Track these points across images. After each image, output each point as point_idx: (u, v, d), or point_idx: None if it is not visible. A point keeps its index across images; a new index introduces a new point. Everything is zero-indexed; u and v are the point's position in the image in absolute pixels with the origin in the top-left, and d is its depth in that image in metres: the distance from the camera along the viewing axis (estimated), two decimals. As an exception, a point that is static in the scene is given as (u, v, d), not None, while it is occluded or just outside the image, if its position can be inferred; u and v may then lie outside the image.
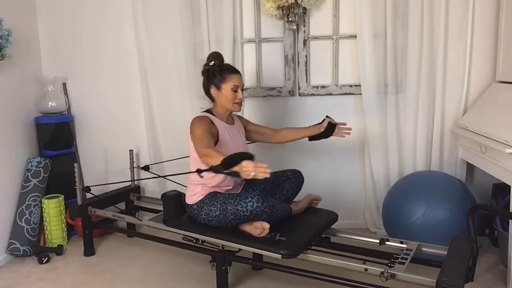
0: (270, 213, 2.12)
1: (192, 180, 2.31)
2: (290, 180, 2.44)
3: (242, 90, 2.31)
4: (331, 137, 2.52)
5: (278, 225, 2.18)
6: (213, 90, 2.30)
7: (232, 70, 2.30)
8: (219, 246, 2.26)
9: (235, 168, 1.78)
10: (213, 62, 2.31)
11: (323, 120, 2.52)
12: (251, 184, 2.42)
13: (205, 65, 2.35)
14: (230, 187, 2.33)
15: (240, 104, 2.32)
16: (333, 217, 2.40)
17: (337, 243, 2.34)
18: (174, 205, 2.43)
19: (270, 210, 2.11)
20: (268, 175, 1.73)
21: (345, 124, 2.53)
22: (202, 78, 2.35)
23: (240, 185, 2.42)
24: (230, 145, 2.28)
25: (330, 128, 2.49)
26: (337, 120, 2.51)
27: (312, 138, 2.55)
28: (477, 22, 2.77)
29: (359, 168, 3.11)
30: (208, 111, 2.36)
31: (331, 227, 2.38)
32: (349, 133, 2.54)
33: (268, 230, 2.11)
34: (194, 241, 2.33)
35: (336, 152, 3.10)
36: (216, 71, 2.28)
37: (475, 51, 2.80)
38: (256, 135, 2.56)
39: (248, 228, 2.15)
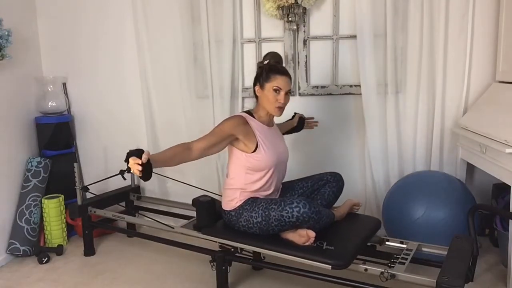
0: (317, 219, 1.99)
1: (230, 185, 2.21)
2: (331, 183, 2.33)
3: (287, 94, 2.17)
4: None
5: (322, 233, 2.06)
6: (257, 88, 2.19)
7: (280, 71, 2.16)
8: (260, 255, 2.19)
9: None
10: (268, 61, 2.21)
11: (293, 117, 2.68)
12: (287, 189, 2.35)
13: (259, 62, 2.27)
14: (270, 192, 2.22)
15: (281, 108, 2.17)
16: (377, 224, 2.30)
17: (382, 252, 2.22)
18: (208, 211, 2.31)
19: (316, 216, 1.98)
20: (138, 173, 1.78)
21: (312, 118, 2.74)
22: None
23: (278, 190, 2.32)
24: (270, 148, 2.17)
25: (300, 123, 2.67)
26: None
27: (285, 133, 2.59)
28: (477, 22, 2.76)
29: (359, 168, 3.10)
30: (248, 111, 2.25)
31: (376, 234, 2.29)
32: (316, 125, 2.75)
33: (314, 239, 1.98)
34: (232, 250, 2.23)
35: (336, 152, 3.10)
36: (265, 69, 2.17)
37: (475, 51, 2.79)
38: None
39: (291, 236, 2.04)
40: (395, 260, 1.98)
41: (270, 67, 2.18)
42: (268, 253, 2.09)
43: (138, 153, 1.82)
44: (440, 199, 2.42)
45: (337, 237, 2.08)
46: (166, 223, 2.53)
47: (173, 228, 2.47)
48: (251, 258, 2.33)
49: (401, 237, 2.31)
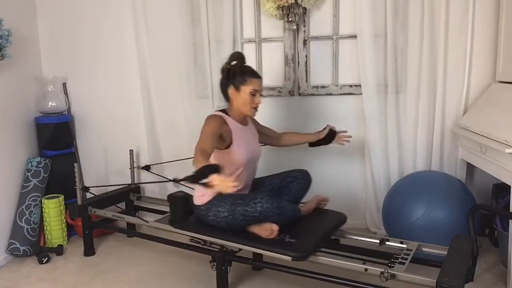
0: (279, 214, 2.09)
1: None
2: (298, 180, 2.40)
3: (261, 95, 2.27)
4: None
5: (287, 227, 2.14)
6: (231, 91, 2.25)
7: (254, 74, 2.25)
8: (227, 248, 2.24)
9: (205, 180, 1.72)
10: (235, 62, 2.26)
11: (324, 128, 2.56)
12: (258, 185, 2.42)
13: (226, 63, 2.29)
14: (240, 188, 2.26)
15: (256, 109, 2.27)
16: (342, 219, 2.37)
17: (347, 245, 2.31)
18: (181, 206, 2.41)
19: (279, 211, 2.08)
20: (233, 190, 1.70)
21: (345, 131, 2.57)
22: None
23: (248, 186, 2.39)
24: (244, 146, 2.25)
25: (330, 136, 2.54)
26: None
27: (312, 144, 2.57)
28: (477, 22, 2.76)
29: (359, 168, 3.11)
30: (223, 110, 2.31)
31: (340, 228, 2.35)
32: (348, 141, 2.57)
33: (277, 232, 2.08)
34: (202, 242, 2.31)
35: (337, 152, 3.10)
36: (238, 71, 2.23)
37: (475, 51, 2.79)
38: (264, 138, 2.54)
39: (257, 229, 2.12)
40: (395, 260, 1.98)
41: (243, 69, 2.24)
42: (234, 245, 2.18)
43: (216, 169, 1.73)
44: (440, 199, 2.42)
45: (300, 231, 2.17)
46: (142, 218, 2.67)
47: (148, 222, 2.58)
48: (251, 258, 2.33)
49: (401, 237, 2.31)
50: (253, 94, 2.22)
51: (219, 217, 2.18)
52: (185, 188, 2.74)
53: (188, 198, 2.42)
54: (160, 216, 2.67)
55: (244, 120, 2.36)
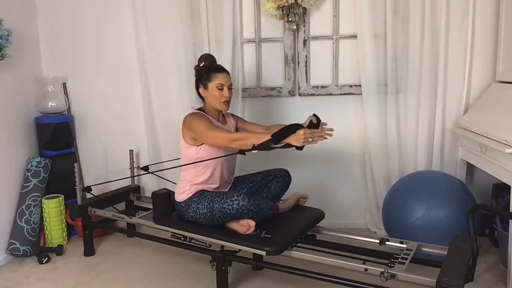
0: (256, 211, 2.17)
1: (181, 177, 2.37)
2: (278, 179, 2.49)
3: (230, 89, 2.33)
4: (331, 138, 2.46)
5: (265, 223, 2.23)
6: (201, 90, 2.34)
7: (218, 69, 2.33)
8: (206, 243, 2.31)
9: (288, 140, 1.93)
10: (203, 63, 2.34)
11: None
12: (238, 182, 2.49)
13: (195, 66, 2.38)
14: (217, 185, 2.37)
15: (227, 103, 2.32)
16: (320, 215, 2.44)
17: (323, 241, 2.37)
18: (163, 203, 2.49)
19: (256, 209, 2.16)
20: (325, 138, 1.95)
21: (326, 124, 2.38)
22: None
23: (228, 183, 2.46)
24: None
25: (311, 127, 2.36)
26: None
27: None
28: (477, 22, 2.77)
29: (359, 168, 3.11)
30: (200, 109, 2.39)
31: (318, 225, 2.42)
32: (330, 135, 2.34)
33: (254, 228, 2.15)
34: (182, 238, 2.38)
35: (336, 152, 3.10)
36: (204, 70, 2.32)
37: (475, 51, 2.80)
38: None
39: (235, 225, 2.20)
40: (395, 260, 1.98)
41: (208, 68, 2.32)
42: (212, 241, 2.25)
43: (300, 126, 1.98)
44: (440, 199, 2.42)
45: (277, 227, 2.24)
46: (126, 215, 2.73)
47: (131, 218, 2.66)
48: (251, 258, 2.33)
49: (401, 237, 2.31)
50: (219, 88, 2.29)
51: (198, 214, 2.25)
52: (171, 185, 2.77)
53: (170, 195, 2.49)
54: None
55: (222, 118, 2.43)
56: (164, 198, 2.49)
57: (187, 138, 2.29)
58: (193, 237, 2.33)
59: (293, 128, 1.96)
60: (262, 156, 2.75)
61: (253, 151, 2.04)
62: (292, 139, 1.96)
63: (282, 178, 2.50)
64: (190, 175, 2.33)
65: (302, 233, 2.30)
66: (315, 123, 2.31)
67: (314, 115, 2.33)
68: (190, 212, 2.29)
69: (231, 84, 2.35)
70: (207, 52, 3.01)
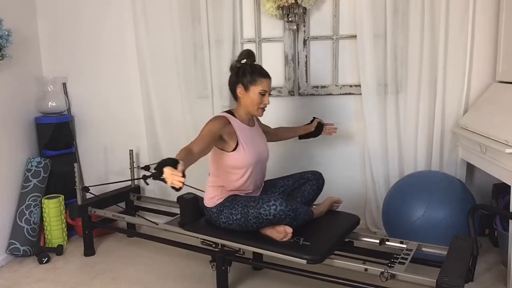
0: (294, 216, 2.05)
1: (211, 183, 2.25)
2: (311, 182, 2.38)
3: (270, 95, 2.23)
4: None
5: (301, 229, 2.11)
6: (239, 90, 2.20)
7: (264, 74, 2.21)
8: (239, 251, 2.22)
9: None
10: (245, 60, 2.22)
11: (311, 121, 2.64)
12: (270, 186, 2.39)
13: (236, 61, 2.25)
14: (251, 190, 2.27)
15: (264, 109, 2.24)
16: (355, 220, 2.35)
17: (360, 247, 2.28)
18: (191, 208, 2.36)
19: (293, 214, 2.05)
20: (180, 185, 1.62)
21: (332, 124, 2.67)
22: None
23: (259, 188, 2.36)
24: (251, 147, 2.20)
25: (319, 128, 2.62)
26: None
27: (302, 137, 2.61)
28: (477, 22, 2.76)
29: (359, 168, 3.10)
30: (229, 111, 2.27)
31: (353, 231, 2.33)
32: (335, 131, 2.66)
33: (291, 235, 2.05)
34: (214, 245, 2.27)
35: (336, 152, 3.10)
36: (248, 70, 2.18)
37: (475, 51, 2.79)
38: (267, 136, 2.50)
39: (270, 232, 2.09)
40: (395, 260, 1.97)
41: (253, 69, 2.20)
42: (247, 248, 2.14)
43: (173, 162, 1.68)
44: (440, 199, 2.42)
45: (314, 233, 2.14)
46: (151, 220, 2.59)
47: (157, 224, 2.53)
48: (251, 258, 2.33)
49: (401, 237, 2.31)
50: (262, 94, 2.18)
51: (231, 220, 2.15)
52: (194, 189, 2.75)
53: (198, 200, 2.38)
54: (163, 217, 2.67)
55: (251, 120, 2.32)
56: (192, 203, 2.37)
57: (219, 143, 2.15)
58: (225, 244, 2.21)
59: (165, 163, 1.67)
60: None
61: (145, 180, 1.82)
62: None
63: (316, 181, 2.38)
64: (221, 180, 2.22)
65: (341, 240, 2.18)
66: (322, 124, 2.61)
67: (316, 117, 2.55)
68: (222, 218, 2.17)
69: (271, 90, 2.26)
70: (207, 52, 3.01)
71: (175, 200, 2.47)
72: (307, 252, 1.97)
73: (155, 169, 1.69)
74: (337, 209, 2.46)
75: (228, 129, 2.16)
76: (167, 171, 1.64)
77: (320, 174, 2.43)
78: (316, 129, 2.61)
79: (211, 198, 2.23)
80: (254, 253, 2.29)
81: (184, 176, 1.65)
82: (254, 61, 2.27)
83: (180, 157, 1.78)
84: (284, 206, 2.02)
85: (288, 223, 2.06)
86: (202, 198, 2.35)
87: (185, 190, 2.61)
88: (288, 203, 2.04)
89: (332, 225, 2.26)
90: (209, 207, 2.25)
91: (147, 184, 1.99)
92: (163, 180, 1.65)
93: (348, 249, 2.27)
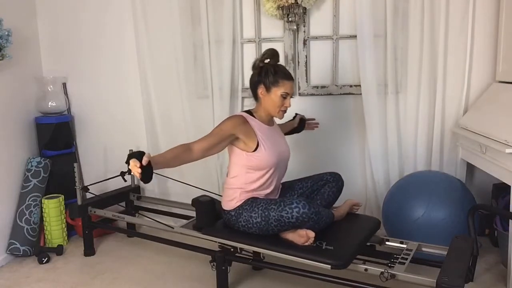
0: (316, 220, 1.99)
1: (230, 185, 2.20)
2: (330, 183, 2.32)
3: (291, 97, 2.20)
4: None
5: (322, 233, 2.06)
6: (261, 90, 2.16)
7: (287, 76, 2.17)
8: (260, 256, 2.18)
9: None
10: (269, 60, 2.17)
11: (294, 117, 2.69)
12: (288, 189, 2.34)
13: (259, 60, 2.19)
14: (269, 191, 2.21)
15: (285, 112, 2.20)
16: (376, 223, 2.30)
17: (382, 251, 2.23)
18: (208, 211, 2.31)
19: (316, 217, 1.98)
20: (138, 175, 1.78)
21: (313, 119, 2.74)
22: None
23: (278, 190, 2.31)
24: (272, 147, 2.16)
25: (301, 124, 2.68)
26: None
27: (286, 133, 2.59)
28: (477, 22, 2.76)
29: (359, 168, 3.10)
30: (248, 111, 2.23)
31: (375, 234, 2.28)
32: (317, 126, 2.75)
33: (313, 239, 1.99)
34: (232, 249, 2.23)
35: (336, 152, 3.10)
36: (271, 71, 2.14)
37: (475, 51, 2.79)
38: None
39: (291, 236, 2.04)
40: (395, 260, 1.98)
41: (276, 70, 2.15)
42: (268, 253, 2.08)
43: (139, 155, 1.81)
44: (440, 199, 2.42)
45: (336, 237, 2.08)
46: (166, 223, 2.54)
47: (173, 228, 2.47)
48: (251, 258, 2.33)
49: (401, 237, 2.31)
50: (284, 97, 2.15)
51: (251, 223, 2.09)
52: (180, 187, 2.74)
53: (214, 202, 2.33)
54: (163, 217, 2.66)
55: (270, 121, 2.28)
56: (209, 205, 2.31)
57: (237, 143, 2.13)
58: (245, 248, 2.16)
59: (132, 155, 1.83)
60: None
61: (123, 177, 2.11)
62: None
63: (335, 182, 2.32)
64: (241, 181, 2.16)
65: (363, 244, 2.13)
66: (304, 120, 2.70)
67: (298, 114, 2.66)
68: (242, 221, 2.11)
69: (293, 93, 2.24)
70: (207, 52, 3.01)
71: (190, 203, 2.43)
72: (331, 257, 1.92)
73: (126, 162, 1.86)
74: (356, 212, 2.40)
75: (246, 128, 2.12)
76: (131, 163, 1.79)
77: (339, 175, 2.36)
78: (299, 125, 2.67)
79: (230, 201, 2.18)
80: (253, 252, 2.29)
81: (145, 167, 1.79)
82: (278, 61, 2.22)
83: (161, 153, 1.96)
84: (308, 209, 1.96)
85: (310, 227, 2.00)
86: (218, 201, 2.30)
87: (199, 192, 2.63)
88: (311, 206, 1.98)
89: (354, 229, 2.20)
90: (227, 210, 2.19)
91: (125, 180, 2.33)
92: (130, 172, 1.84)
93: (371, 253, 2.23)
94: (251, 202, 2.12)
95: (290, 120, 2.67)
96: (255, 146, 2.12)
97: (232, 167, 2.20)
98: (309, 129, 2.73)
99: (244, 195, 2.16)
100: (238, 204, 2.15)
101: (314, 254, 1.96)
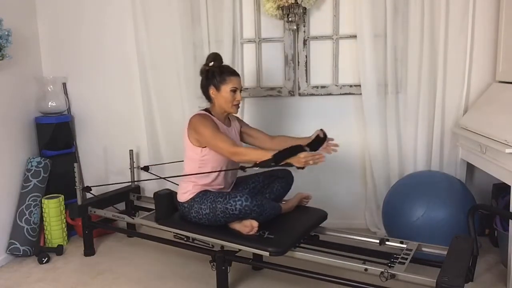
0: (259, 211, 2.16)
1: (184, 178, 2.35)
2: (280, 179, 2.48)
3: (241, 91, 2.34)
4: (332, 137, 2.51)
5: (268, 224, 2.22)
6: (212, 91, 2.31)
7: (232, 72, 2.32)
8: (208, 244, 2.31)
9: (290, 160, 1.93)
10: (212, 62, 2.32)
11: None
12: (241, 183, 2.48)
13: (204, 65, 2.35)
14: (222, 186, 2.37)
15: (238, 106, 2.34)
16: (323, 215, 2.43)
17: (326, 241, 2.35)
18: (166, 203, 2.47)
19: (259, 209, 2.15)
20: (323, 160, 1.93)
21: (332, 139, 2.41)
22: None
23: (231, 184, 2.46)
24: None
25: (317, 141, 2.37)
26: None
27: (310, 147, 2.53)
28: (477, 22, 2.77)
29: (359, 168, 3.11)
30: (206, 110, 2.37)
31: (321, 225, 2.41)
32: (336, 150, 2.40)
33: (257, 228, 2.15)
34: (185, 239, 2.38)
35: (336, 152, 3.10)
36: (216, 72, 2.29)
37: (475, 51, 2.80)
38: (248, 138, 2.53)
39: (238, 226, 2.19)
40: (395, 260, 1.98)
41: (221, 69, 2.30)
42: (214, 241, 2.25)
43: (303, 149, 1.95)
44: (440, 199, 2.42)
45: (280, 227, 2.23)
46: (127, 215, 2.75)
47: (133, 219, 2.69)
48: (251, 258, 2.33)
49: (401, 237, 2.30)
50: (233, 91, 2.29)
51: (201, 214, 2.24)
52: (171, 185, 2.76)
53: (173, 195, 2.47)
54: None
55: (227, 120, 2.42)
56: (167, 198, 2.47)
57: (192, 139, 2.28)
58: (195, 237, 2.32)
59: (295, 150, 1.95)
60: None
61: (254, 168, 2.09)
62: (293, 160, 1.94)
63: (285, 178, 2.49)
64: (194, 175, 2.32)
65: (306, 233, 2.29)
66: (321, 138, 2.37)
67: (321, 130, 2.40)
68: (193, 213, 2.28)
69: (242, 87, 2.37)
70: (207, 52, 3.01)
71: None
72: (270, 245, 2.06)
73: (276, 158, 1.95)
74: (306, 204, 2.53)
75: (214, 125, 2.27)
76: (308, 155, 1.93)
77: (290, 172, 2.51)
78: (314, 142, 2.34)
79: (184, 193, 2.32)
80: (254, 253, 2.29)
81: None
82: (222, 63, 2.35)
83: (267, 152, 2.05)
84: (250, 202, 2.13)
85: (255, 218, 2.16)
86: (176, 194, 2.43)
87: (171, 187, 2.72)
88: (253, 199, 2.15)
89: (298, 220, 2.36)
90: (181, 202, 2.34)
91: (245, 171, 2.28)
92: (287, 165, 1.96)
93: (315, 242, 2.35)
94: (202, 195, 2.27)
95: (310, 136, 2.39)
96: None
97: (186, 161, 2.34)
98: (326, 151, 2.37)
99: (196, 188, 2.30)
100: (191, 196, 2.30)
101: (255, 242, 2.11)
